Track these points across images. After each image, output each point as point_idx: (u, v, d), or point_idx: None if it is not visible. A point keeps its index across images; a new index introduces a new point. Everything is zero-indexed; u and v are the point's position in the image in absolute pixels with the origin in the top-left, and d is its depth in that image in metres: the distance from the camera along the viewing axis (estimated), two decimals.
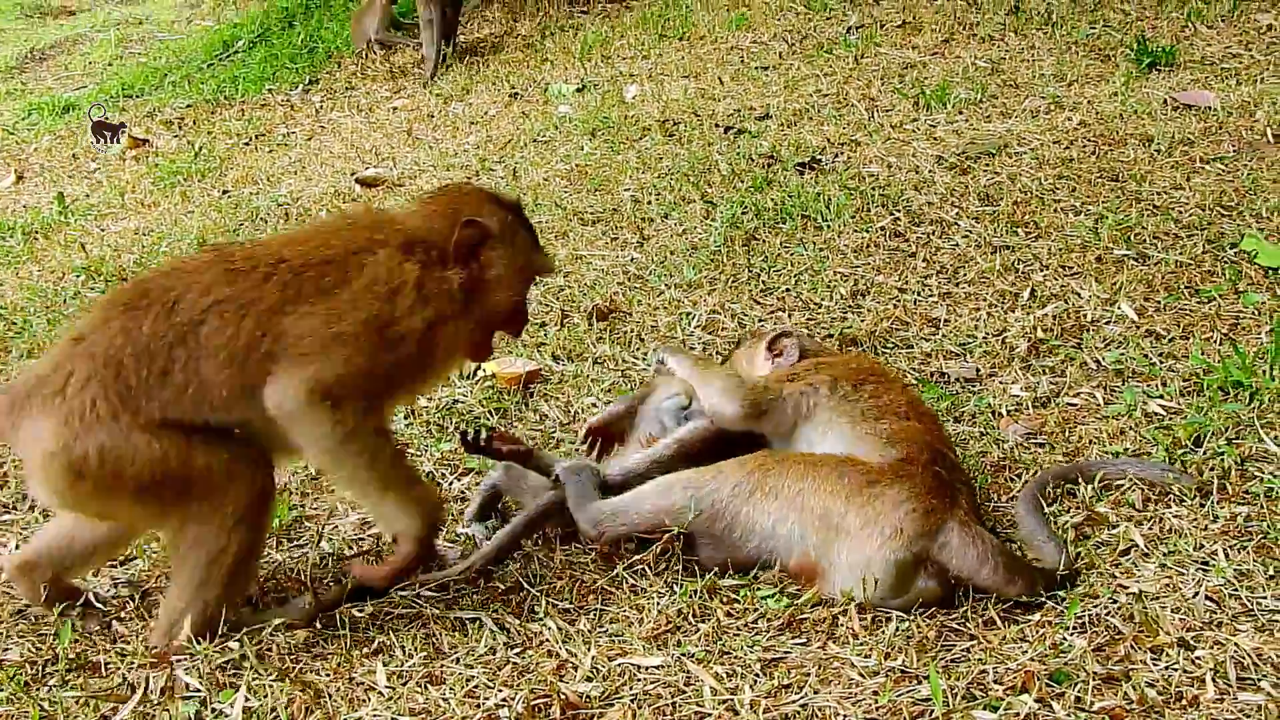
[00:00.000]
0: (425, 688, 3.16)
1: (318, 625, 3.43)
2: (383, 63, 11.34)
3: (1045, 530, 3.52)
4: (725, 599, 3.41)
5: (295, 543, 3.92)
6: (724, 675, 3.11)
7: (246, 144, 9.52)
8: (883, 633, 3.21)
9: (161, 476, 3.19)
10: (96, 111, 10.54)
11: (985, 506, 3.72)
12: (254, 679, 3.22)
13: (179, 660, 3.28)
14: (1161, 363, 4.41)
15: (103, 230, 7.57)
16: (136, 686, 3.25)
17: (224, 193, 8.06)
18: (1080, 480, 3.78)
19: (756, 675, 3.10)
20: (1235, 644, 3.03)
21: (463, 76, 10.26)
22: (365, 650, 3.33)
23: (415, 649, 3.31)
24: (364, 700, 3.13)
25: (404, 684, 3.17)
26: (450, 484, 4.18)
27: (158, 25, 16.20)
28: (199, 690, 3.21)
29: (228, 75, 12.16)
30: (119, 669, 3.32)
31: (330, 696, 3.15)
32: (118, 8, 17.36)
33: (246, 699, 3.14)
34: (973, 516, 3.39)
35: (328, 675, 3.23)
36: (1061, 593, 3.28)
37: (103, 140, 10.04)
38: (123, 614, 3.60)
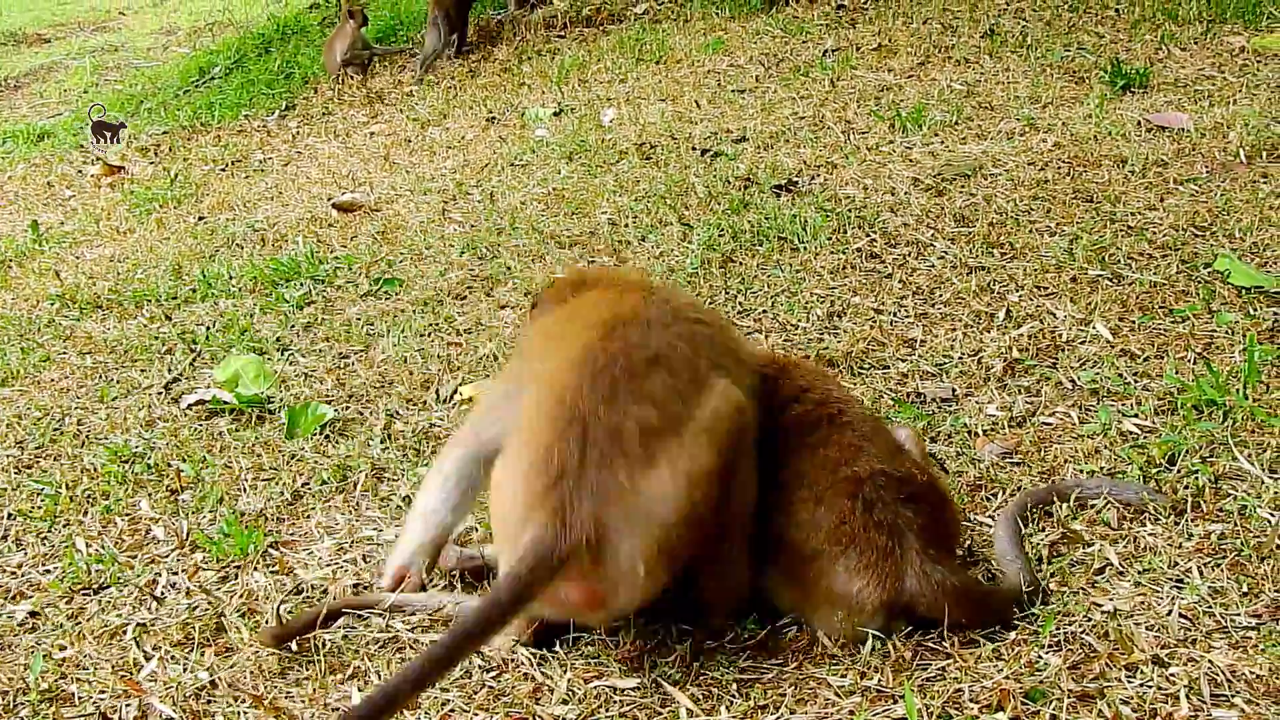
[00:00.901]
0: (400, 713, 3.14)
1: (292, 650, 3.41)
2: (359, 87, 11.35)
3: (1017, 553, 3.51)
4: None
5: (271, 569, 3.90)
6: (700, 697, 3.10)
7: (222, 170, 9.51)
8: (859, 653, 3.20)
9: None
10: (96, 111, 10.52)
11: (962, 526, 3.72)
12: (227, 706, 3.20)
13: (150, 688, 3.26)
14: (1136, 382, 4.42)
15: (77, 258, 7.55)
16: (109, 715, 3.23)
17: (200, 219, 8.05)
18: (1056, 500, 3.78)
19: (733, 696, 3.10)
20: (1209, 661, 3.03)
21: (440, 101, 10.27)
22: (340, 676, 3.31)
23: (390, 673, 3.30)
24: None
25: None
26: None
27: (133, 52, 16.20)
28: (172, 718, 3.19)
29: (204, 102, 12.16)
30: (91, 698, 3.30)
31: None
32: (93, 35, 17.36)
33: None
34: (925, 548, 3.27)
35: (302, 701, 3.22)
36: (1036, 611, 3.28)
37: (102, 140, 10.02)
38: (92, 642, 3.58)
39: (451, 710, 3.14)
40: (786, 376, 3.66)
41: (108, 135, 10.08)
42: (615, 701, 3.12)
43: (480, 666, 3.31)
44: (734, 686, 3.13)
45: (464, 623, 2.94)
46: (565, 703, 3.12)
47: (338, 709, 3.17)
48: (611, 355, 3.13)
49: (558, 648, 3.35)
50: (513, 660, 3.31)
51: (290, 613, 3.58)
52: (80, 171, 10.14)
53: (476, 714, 3.11)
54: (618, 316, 3.26)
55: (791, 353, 4.87)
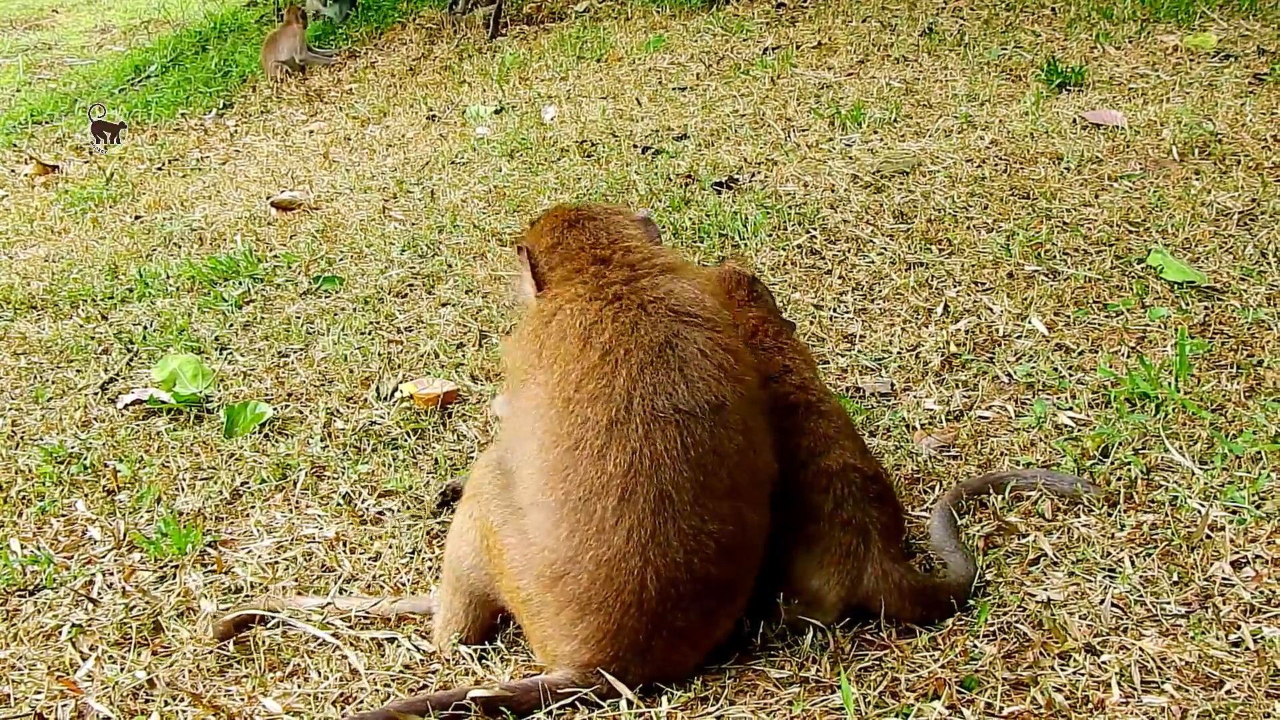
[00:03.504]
0: (342, 708, 3.14)
1: (230, 649, 3.39)
2: (298, 86, 11.28)
3: (957, 544, 3.55)
4: None
5: (209, 568, 3.88)
6: (641, 689, 3.11)
7: (159, 169, 9.43)
8: (799, 644, 3.22)
9: None
10: (96, 112, 10.39)
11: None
12: (165, 705, 3.19)
13: (88, 688, 3.23)
14: (1071, 375, 4.48)
15: (11, 258, 7.46)
16: (46, 716, 3.21)
17: (136, 218, 7.98)
18: (992, 491, 3.83)
19: (673, 688, 3.11)
20: (1140, 648, 3.08)
21: (379, 99, 10.22)
22: (279, 674, 3.30)
23: (330, 670, 3.29)
24: None
25: (319, 705, 3.15)
26: (368, 505, 4.15)
27: (67, 50, 16.03)
28: (110, 717, 3.17)
29: (140, 100, 12.04)
30: (27, 698, 3.27)
31: (244, 719, 3.12)
32: (26, 34, 17.16)
33: None
34: (887, 547, 3.30)
35: (241, 699, 3.20)
36: (971, 601, 3.32)
37: (102, 140, 9.90)
38: (27, 644, 3.54)
39: (392, 702, 3.13)
40: (775, 350, 3.67)
41: (108, 135, 9.96)
42: (557, 694, 3.12)
43: (421, 661, 3.31)
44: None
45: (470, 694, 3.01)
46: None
47: (275, 706, 3.15)
48: (673, 564, 3.00)
49: (498, 641, 3.36)
50: (453, 656, 3.31)
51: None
52: (13, 171, 10.02)
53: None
54: (672, 483, 3.03)
55: None
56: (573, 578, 3.00)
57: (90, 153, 10.20)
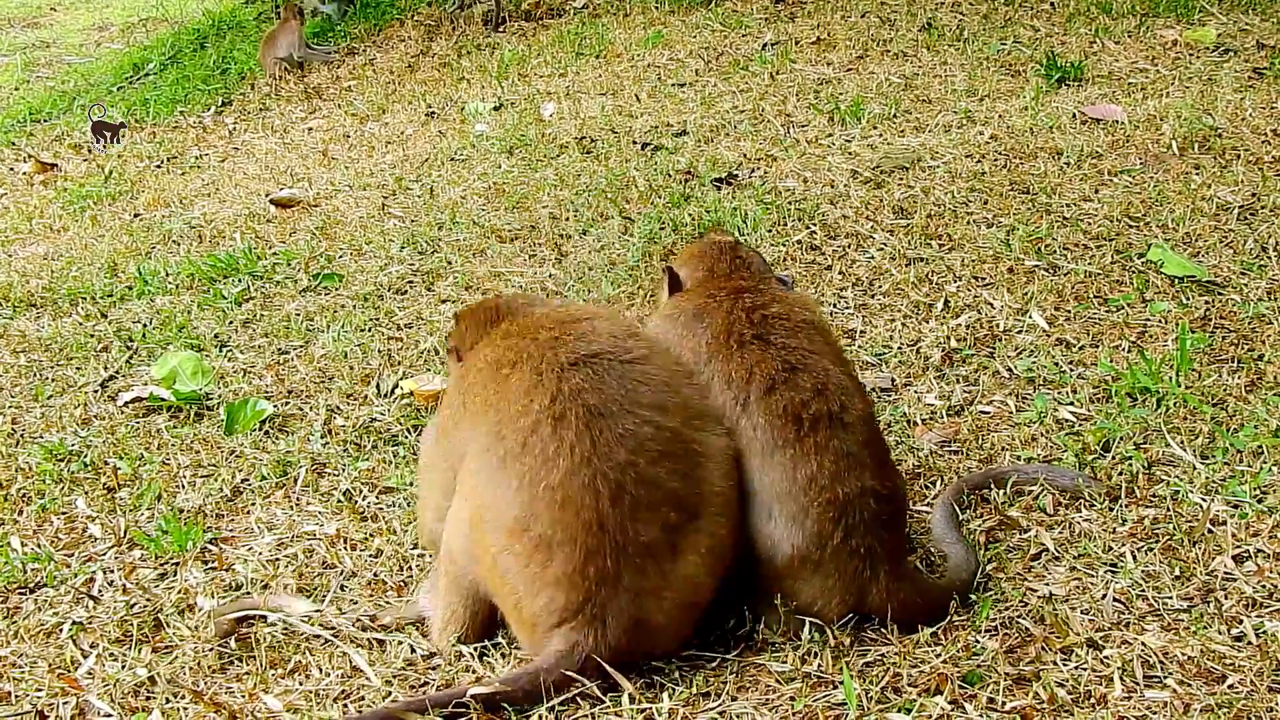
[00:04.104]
0: (343, 705, 3.14)
1: (231, 646, 3.39)
2: (297, 83, 11.27)
3: (958, 538, 3.54)
4: None
5: (209, 566, 3.87)
6: (643, 685, 3.11)
7: (158, 167, 9.41)
8: (799, 639, 3.22)
9: None
10: (97, 112, 10.37)
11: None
12: (166, 702, 3.19)
13: (88, 685, 3.23)
14: (1071, 370, 4.48)
15: (10, 255, 7.45)
16: (46, 714, 3.21)
17: (135, 216, 7.96)
18: (993, 486, 3.82)
19: (675, 684, 3.11)
20: (1142, 643, 3.08)
21: (378, 96, 10.21)
22: (280, 671, 3.30)
23: (331, 667, 3.29)
24: None
25: (320, 703, 3.15)
26: (369, 502, 4.15)
27: (65, 49, 16.00)
28: (110, 715, 3.17)
29: (138, 98, 12.01)
30: (28, 696, 3.27)
31: (245, 716, 3.11)
32: (23, 32, 17.13)
33: None
34: (894, 568, 3.24)
35: (242, 696, 3.20)
36: (973, 596, 3.32)
37: (102, 140, 9.89)
38: (28, 641, 3.54)
39: (394, 703, 3.13)
40: (768, 343, 3.40)
41: (108, 135, 9.92)
42: (558, 690, 3.12)
43: (422, 656, 3.31)
44: (676, 674, 3.15)
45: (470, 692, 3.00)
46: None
47: (277, 703, 3.15)
48: (618, 465, 3.09)
49: (499, 638, 3.35)
50: (454, 655, 3.31)
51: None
52: (12, 169, 10.00)
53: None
54: (598, 403, 3.17)
55: None
56: (533, 518, 3.06)
57: (89, 151, 10.18)
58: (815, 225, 5.79)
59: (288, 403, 4.88)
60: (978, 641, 3.14)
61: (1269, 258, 5.06)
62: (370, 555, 3.86)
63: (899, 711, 2.93)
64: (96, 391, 5.18)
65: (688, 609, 3.16)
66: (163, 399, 4.93)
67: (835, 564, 3.18)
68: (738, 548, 3.23)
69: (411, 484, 4.19)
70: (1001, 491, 3.79)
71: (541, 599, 3.06)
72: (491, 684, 3.03)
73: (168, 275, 6.39)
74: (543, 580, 3.05)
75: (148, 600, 3.69)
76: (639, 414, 3.16)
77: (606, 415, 3.12)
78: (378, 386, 4.89)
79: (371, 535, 3.95)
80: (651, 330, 3.63)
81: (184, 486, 4.35)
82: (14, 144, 10.83)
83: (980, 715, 2.90)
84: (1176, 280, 4.96)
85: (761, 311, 3.50)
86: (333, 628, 3.45)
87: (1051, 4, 9.28)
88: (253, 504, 4.21)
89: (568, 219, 6.34)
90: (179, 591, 3.73)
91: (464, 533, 3.23)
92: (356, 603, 3.59)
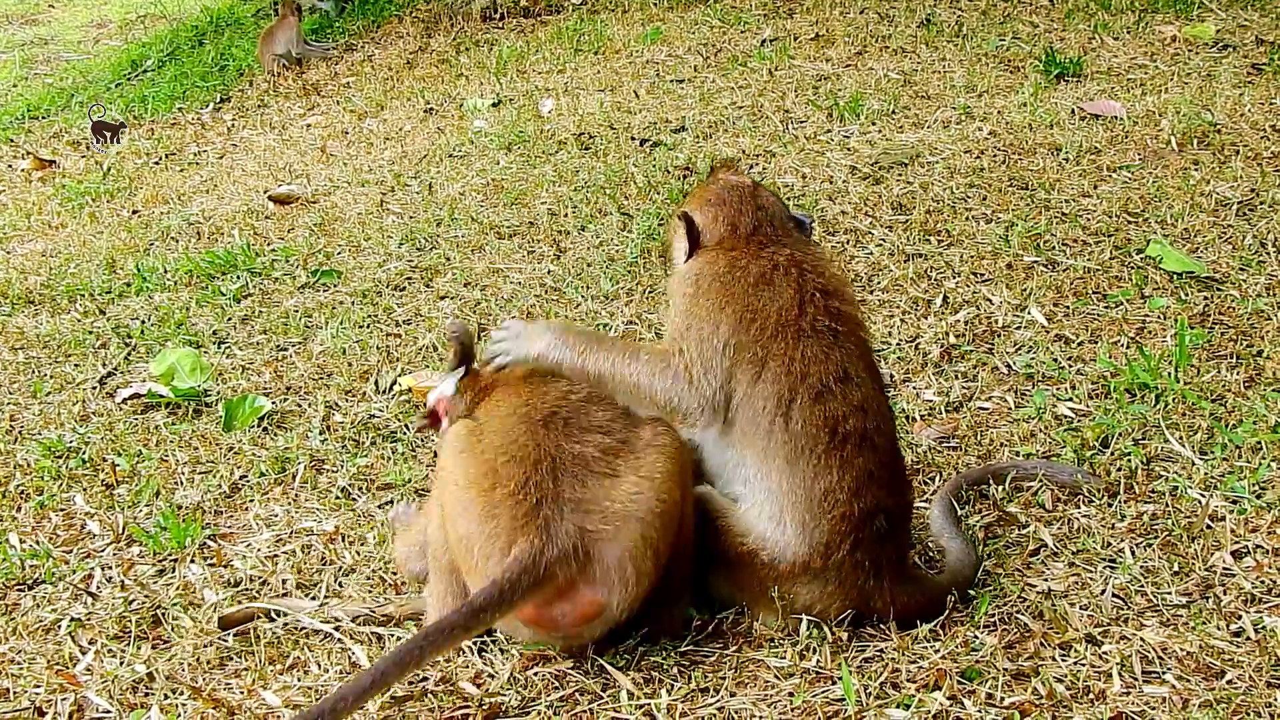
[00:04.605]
0: (361, 708, 3.13)
1: (229, 642, 3.39)
2: (295, 79, 11.26)
3: (957, 533, 3.53)
4: None
5: (208, 562, 3.87)
6: (641, 680, 3.11)
7: (156, 163, 9.40)
8: (798, 635, 3.22)
9: None
10: (97, 112, 10.36)
11: None
12: (164, 699, 3.18)
13: (87, 681, 3.23)
14: (1070, 366, 4.47)
15: (8, 253, 7.44)
16: (44, 710, 3.20)
17: (134, 213, 7.96)
18: (992, 482, 3.82)
19: (674, 679, 3.11)
20: (1141, 639, 3.08)
21: (377, 92, 10.21)
22: (278, 667, 3.30)
23: (330, 663, 3.29)
24: (278, 716, 3.10)
25: (319, 698, 3.14)
26: (367, 499, 4.15)
27: (63, 45, 16.00)
28: (109, 711, 3.17)
29: (136, 95, 12.01)
30: (26, 692, 3.27)
31: (244, 712, 3.11)
32: (21, 29, 17.12)
33: (159, 719, 3.10)
34: (896, 575, 3.22)
35: (240, 693, 3.20)
36: (972, 592, 3.32)
37: (102, 140, 9.87)
38: (26, 637, 3.54)
39: (395, 697, 3.13)
40: (836, 337, 3.27)
41: (108, 135, 9.91)
42: (558, 686, 3.12)
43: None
44: (675, 670, 3.15)
45: (437, 626, 2.98)
46: (508, 688, 3.13)
47: (275, 699, 3.15)
48: (551, 403, 3.33)
49: (498, 632, 3.35)
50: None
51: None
52: (10, 166, 9.99)
53: (421, 700, 3.10)
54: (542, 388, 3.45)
55: None
56: (482, 471, 3.17)
57: (87, 148, 10.17)
58: (814, 221, 5.78)
59: (286, 399, 4.87)
60: (976, 637, 3.14)
61: (1268, 253, 5.06)
62: (369, 551, 3.85)
63: (898, 707, 2.92)
64: (95, 388, 5.17)
65: (638, 541, 3.10)
66: (161, 395, 4.93)
67: (838, 574, 3.18)
68: (692, 518, 3.28)
69: (409, 481, 4.19)
70: (1000, 487, 3.79)
71: (490, 526, 3.08)
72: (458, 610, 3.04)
73: (166, 272, 6.38)
74: (490, 507, 3.10)
75: (146, 596, 3.69)
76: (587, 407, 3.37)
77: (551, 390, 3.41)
78: (376, 383, 4.89)
79: (369, 531, 3.95)
80: (674, 288, 3.51)
81: (182, 483, 4.34)
82: (12, 141, 10.82)
83: (979, 710, 2.89)
84: (1175, 276, 4.96)
85: (822, 287, 3.35)
86: (336, 620, 3.44)
87: (1050, 0, 9.28)
88: (251, 500, 4.20)
89: (566, 215, 6.33)
90: (178, 587, 3.72)
91: (437, 520, 3.25)
92: (354, 598, 3.59)
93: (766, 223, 3.50)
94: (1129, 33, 8.36)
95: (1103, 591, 3.28)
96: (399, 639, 3.36)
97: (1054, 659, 3.05)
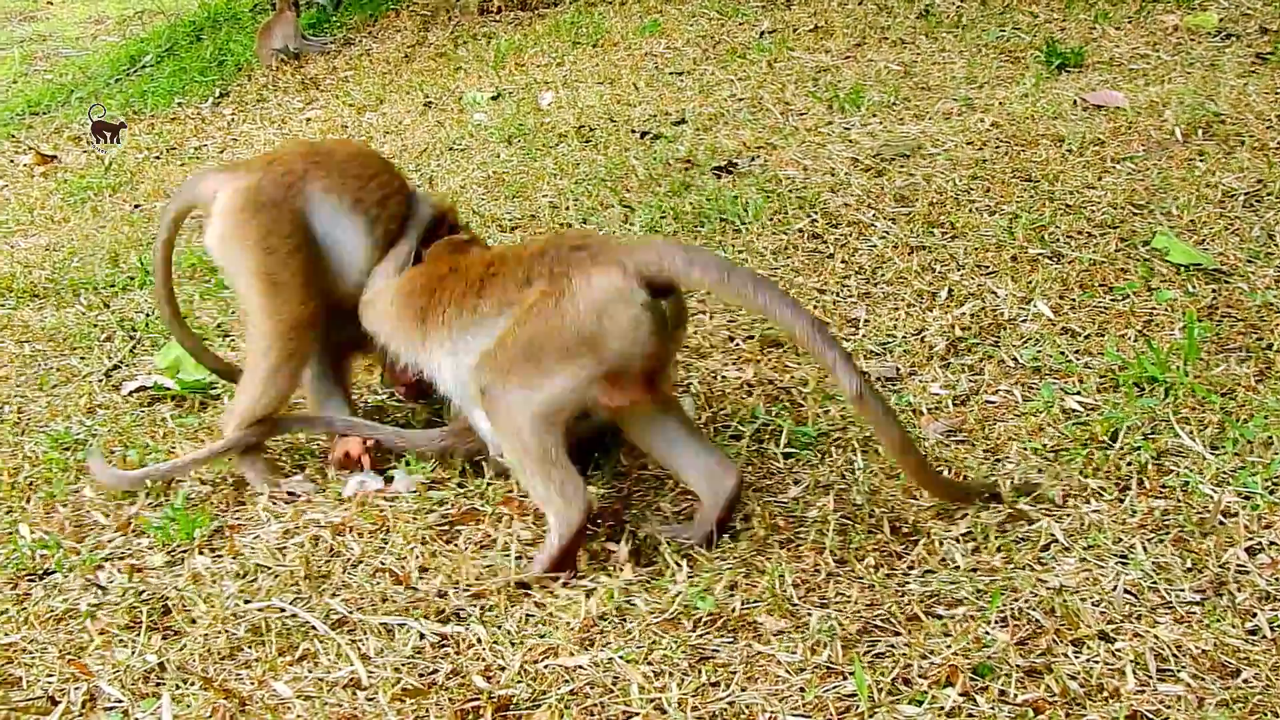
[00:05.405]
0: (353, 693, 3.13)
1: (240, 633, 3.39)
2: (294, 74, 11.24)
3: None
4: (646, 601, 3.40)
5: (217, 553, 3.86)
6: (652, 674, 3.10)
7: (157, 158, 9.38)
8: (808, 629, 3.21)
9: None
10: (97, 111, 10.33)
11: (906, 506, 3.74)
12: (176, 689, 3.18)
13: (99, 671, 3.23)
14: (1078, 359, 4.47)
15: (12, 247, 7.43)
16: (57, 699, 3.20)
17: (136, 207, 7.95)
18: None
19: (684, 674, 3.10)
20: (1154, 635, 3.08)
21: (376, 86, 10.19)
22: (289, 658, 3.29)
23: (340, 654, 3.28)
24: (289, 707, 3.09)
25: (330, 690, 3.14)
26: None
27: (62, 41, 15.97)
28: (121, 701, 3.16)
29: (136, 90, 11.99)
30: (39, 681, 3.27)
31: (254, 703, 3.11)
32: (20, 25, 17.09)
33: (170, 708, 3.10)
34: None
35: (251, 683, 3.20)
36: (984, 588, 3.31)
37: (102, 140, 9.85)
38: (38, 627, 3.53)
39: (405, 689, 3.12)
40: None
41: (108, 135, 9.88)
42: (567, 681, 3.12)
43: (432, 644, 3.30)
44: (685, 664, 3.14)
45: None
46: (518, 681, 3.12)
47: (286, 690, 3.14)
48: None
49: (509, 625, 3.34)
50: (464, 638, 3.30)
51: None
52: (12, 161, 9.97)
53: (429, 694, 3.10)
54: None
55: (734, 333, 4.88)
56: None
57: (89, 143, 10.15)
58: (816, 213, 5.78)
59: None
60: (989, 633, 3.14)
61: (1276, 245, 5.07)
62: (378, 544, 3.84)
63: (910, 703, 2.92)
64: (101, 381, 5.16)
65: None
66: (167, 388, 4.93)
67: None
68: None
69: (419, 470, 4.18)
70: (1009, 484, 3.77)
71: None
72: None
73: None
74: None
75: (156, 588, 3.68)
76: None
77: None
78: (381, 375, 4.88)
79: (378, 523, 3.94)
80: None
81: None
82: (13, 136, 10.80)
83: (992, 707, 2.89)
84: (1182, 268, 4.96)
85: None
86: (339, 615, 3.44)
87: None
88: (259, 492, 4.19)
89: (567, 208, 6.33)
90: (187, 579, 3.71)
91: None
92: (364, 591, 3.58)
93: None
94: (1130, 22, 8.35)
95: (1114, 588, 3.28)
96: (408, 629, 3.35)
97: (1067, 656, 3.05)
